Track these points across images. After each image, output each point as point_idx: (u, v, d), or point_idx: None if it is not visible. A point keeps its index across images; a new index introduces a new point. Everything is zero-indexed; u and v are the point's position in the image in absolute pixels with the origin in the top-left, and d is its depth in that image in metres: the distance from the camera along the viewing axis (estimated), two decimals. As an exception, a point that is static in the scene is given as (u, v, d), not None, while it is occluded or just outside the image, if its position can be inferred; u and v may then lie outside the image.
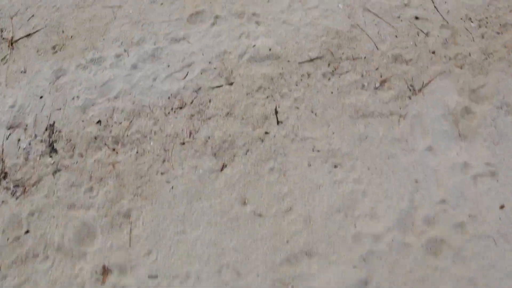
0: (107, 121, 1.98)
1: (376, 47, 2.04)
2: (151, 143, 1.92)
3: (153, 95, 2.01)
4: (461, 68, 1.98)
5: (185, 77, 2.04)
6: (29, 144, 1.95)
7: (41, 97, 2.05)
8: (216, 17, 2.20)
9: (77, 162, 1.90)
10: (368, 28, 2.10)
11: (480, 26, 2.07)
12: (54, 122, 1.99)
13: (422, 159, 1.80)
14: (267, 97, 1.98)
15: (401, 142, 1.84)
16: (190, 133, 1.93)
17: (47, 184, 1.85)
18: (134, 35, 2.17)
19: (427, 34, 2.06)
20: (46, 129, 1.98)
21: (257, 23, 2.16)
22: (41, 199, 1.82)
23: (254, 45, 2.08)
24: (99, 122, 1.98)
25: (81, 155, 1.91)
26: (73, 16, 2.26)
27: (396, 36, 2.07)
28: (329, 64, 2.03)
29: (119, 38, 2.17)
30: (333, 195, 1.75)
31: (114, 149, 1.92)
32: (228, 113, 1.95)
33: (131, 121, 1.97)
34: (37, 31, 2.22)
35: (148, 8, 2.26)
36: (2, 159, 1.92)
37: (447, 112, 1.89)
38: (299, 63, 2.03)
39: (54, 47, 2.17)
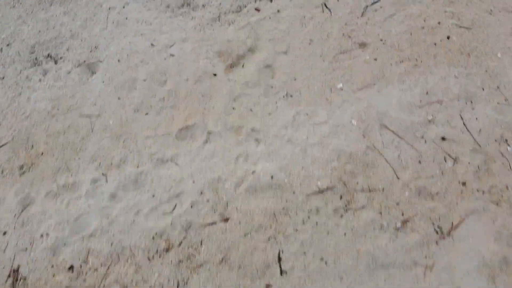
0: (80, 267, 1.68)
1: (397, 175, 1.74)
2: (132, 297, 1.62)
3: (135, 234, 1.72)
4: (497, 205, 1.67)
5: (172, 211, 1.74)
6: (-12, 296, 1.66)
7: (4, 234, 1.75)
8: (209, 132, 1.88)
9: (44, 321, 1.60)
10: (387, 151, 1.79)
11: (518, 151, 1.76)
12: (18, 267, 1.70)
13: (453, 327, 1.51)
14: (269, 239, 1.68)
15: (428, 303, 1.55)
16: (178, 285, 1.64)
17: None
18: (114, 154, 1.86)
19: (455, 160, 1.75)
20: (9, 276, 1.68)
21: (257, 141, 1.85)
22: None
23: (253, 171, 1.78)
24: (71, 268, 1.68)
25: (49, 311, 1.62)
26: (44, 126, 1.96)
27: (419, 162, 1.76)
28: (341, 197, 1.73)
29: (97, 157, 1.87)
30: None
31: (88, 304, 1.63)
32: (222, 260, 1.66)
33: (108, 268, 1.67)
34: (3, 145, 1.92)
35: (131, 118, 1.95)
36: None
37: (481, 264, 1.59)
38: (306, 195, 1.73)
39: (21, 167, 1.87)
